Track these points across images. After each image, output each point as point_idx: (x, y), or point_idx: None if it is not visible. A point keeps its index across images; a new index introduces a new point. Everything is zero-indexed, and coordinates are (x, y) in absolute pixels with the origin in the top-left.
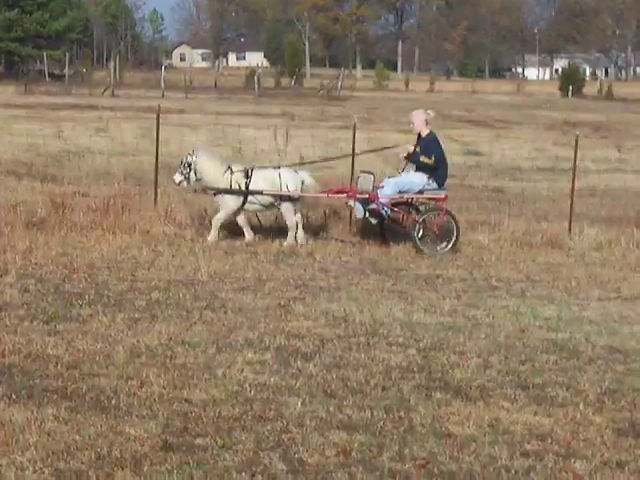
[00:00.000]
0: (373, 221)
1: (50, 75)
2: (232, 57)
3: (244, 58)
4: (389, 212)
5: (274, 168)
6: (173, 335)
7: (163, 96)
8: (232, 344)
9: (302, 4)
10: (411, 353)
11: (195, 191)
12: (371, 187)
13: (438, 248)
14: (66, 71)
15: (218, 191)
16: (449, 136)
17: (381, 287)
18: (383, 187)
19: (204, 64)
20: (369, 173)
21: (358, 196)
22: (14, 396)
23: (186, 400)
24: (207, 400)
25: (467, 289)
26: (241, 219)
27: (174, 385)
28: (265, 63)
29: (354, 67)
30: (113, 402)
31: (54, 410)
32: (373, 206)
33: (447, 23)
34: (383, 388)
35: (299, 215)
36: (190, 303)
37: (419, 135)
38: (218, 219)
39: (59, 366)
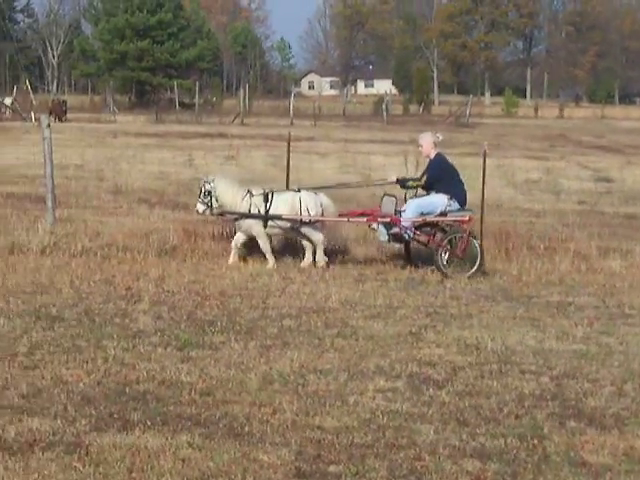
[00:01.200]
0: (397, 246)
1: (180, 104)
2: (360, 85)
3: (372, 86)
4: (412, 235)
5: (294, 191)
6: (305, 362)
7: (292, 124)
8: (363, 371)
9: (430, 31)
10: (544, 381)
11: (217, 217)
12: (393, 210)
13: (463, 272)
14: (196, 100)
15: (239, 216)
16: (579, 163)
17: (512, 314)
18: (404, 210)
19: (332, 92)
20: (392, 196)
21: (380, 220)
22: (149, 422)
23: (318, 427)
24: (339, 427)
25: (599, 316)
26: (235, 241)
27: (306, 412)
28: (393, 90)
29: (482, 94)
30: (246, 429)
31: (188, 437)
32: (395, 230)
33: (576, 49)
34: (516, 416)
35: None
36: (321, 330)
37: (428, 157)
38: (264, 249)
39: (192, 393)
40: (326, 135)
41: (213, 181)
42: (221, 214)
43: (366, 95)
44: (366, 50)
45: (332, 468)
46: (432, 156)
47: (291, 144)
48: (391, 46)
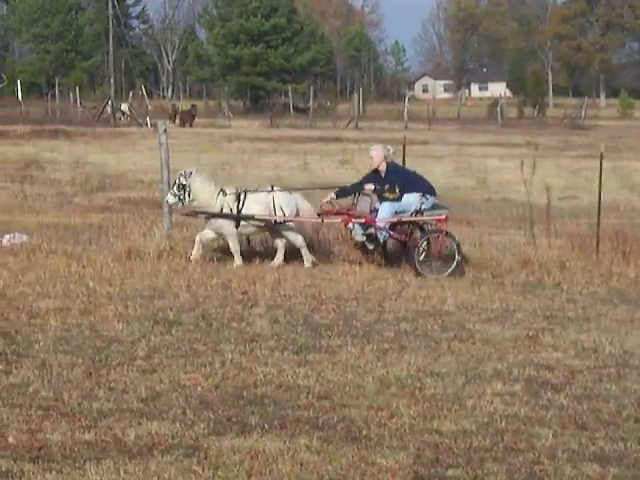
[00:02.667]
0: (370, 246)
1: (294, 108)
2: (474, 87)
3: (486, 88)
4: (387, 236)
5: (268, 191)
6: (422, 366)
7: (406, 127)
8: (481, 375)
9: (545, 33)
10: None
11: (188, 215)
12: (368, 210)
13: (441, 271)
14: (310, 104)
15: (209, 215)
16: None
17: (630, 317)
18: (377, 210)
19: (446, 95)
20: (367, 195)
21: (354, 220)
22: (267, 426)
23: (436, 431)
24: (457, 431)
25: None
26: (200, 235)
27: (424, 416)
28: (507, 93)
29: (597, 96)
30: (364, 433)
31: (306, 440)
32: (370, 230)
33: None
34: (636, 420)
35: (282, 240)
36: (438, 334)
37: (377, 170)
38: (233, 249)
39: (310, 396)
40: (440, 138)
41: (190, 176)
42: (190, 214)
43: (480, 98)
44: (480, 53)
45: (450, 472)
46: (382, 168)
47: (406, 147)
48: (505, 48)
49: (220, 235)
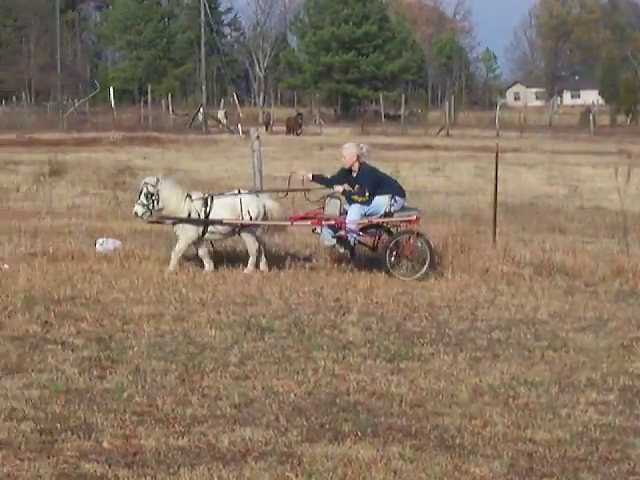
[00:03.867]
0: (341, 250)
1: (386, 116)
2: (567, 95)
3: (579, 96)
4: (357, 238)
5: (234, 194)
6: (515, 374)
7: (498, 135)
8: (575, 384)
9: (638, 41)
10: None
11: (152, 222)
12: (338, 212)
13: (412, 272)
14: (401, 112)
15: (177, 220)
16: None
17: None
18: (347, 212)
19: (538, 103)
20: (336, 198)
21: (324, 223)
22: (360, 434)
23: (530, 440)
24: (551, 440)
25: None
26: (202, 250)
27: (517, 425)
28: (600, 101)
29: None
30: (457, 441)
31: (399, 448)
32: (341, 233)
33: None
34: None
35: (260, 242)
36: (531, 342)
37: (350, 170)
38: (178, 250)
39: (403, 404)
40: (532, 146)
41: (158, 183)
42: (157, 220)
43: (572, 106)
44: (572, 60)
45: None
46: (355, 168)
47: (498, 155)
48: (597, 56)
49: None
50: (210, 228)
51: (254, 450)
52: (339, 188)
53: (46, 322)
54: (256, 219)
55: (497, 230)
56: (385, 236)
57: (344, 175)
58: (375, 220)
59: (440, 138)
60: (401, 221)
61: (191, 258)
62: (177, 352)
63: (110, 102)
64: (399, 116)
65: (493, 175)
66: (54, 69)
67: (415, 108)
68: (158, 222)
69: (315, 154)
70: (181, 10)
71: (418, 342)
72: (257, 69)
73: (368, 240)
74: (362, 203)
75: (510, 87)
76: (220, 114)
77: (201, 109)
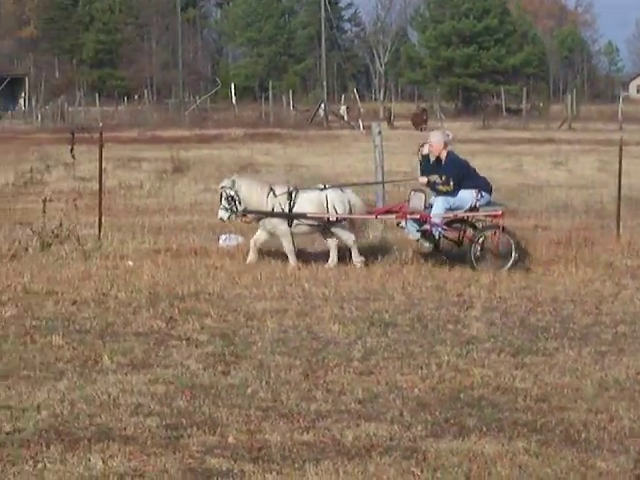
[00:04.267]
0: (426, 244)
1: (507, 110)
2: None
3: None
4: (442, 232)
5: (320, 189)
6: None
7: (621, 128)
8: None
9: None
10: None
11: (244, 221)
12: (422, 206)
13: (498, 267)
14: (523, 105)
15: (262, 215)
16: None
17: None
18: (432, 206)
19: None
20: (420, 191)
21: (409, 216)
22: (484, 428)
23: None
24: None
25: None
26: (254, 240)
27: None
28: None
29: None
30: (583, 436)
31: (524, 443)
32: (426, 227)
33: None
34: None
35: (333, 238)
36: None
37: (437, 158)
38: (288, 250)
39: (528, 399)
40: None
41: (234, 184)
42: (244, 214)
43: None
44: None
45: None
46: (443, 156)
47: (622, 149)
48: None
49: (273, 236)
50: (295, 222)
51: (379, 445)
52: (423, 180)
53: (170, 318)
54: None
55: (621, 224)
56: (470, 231)
57: (430, 166)
58: (460, 214)
59: (562, 132)
60: (486, 216)
61: (313, 254)
62: (301, 347)
63: (231, 99)
64: (520, 110)
65: (616, 168)
66: (175, 67)
67: (536, 102)
68: (245, 217)
69: None
70: (301, 6)
71: (542, 337)
72: (377, 64)
73: (453, 235)
74: (447, 194)
75: (633, 80)
76: (342, 109)
77: (322, 105)
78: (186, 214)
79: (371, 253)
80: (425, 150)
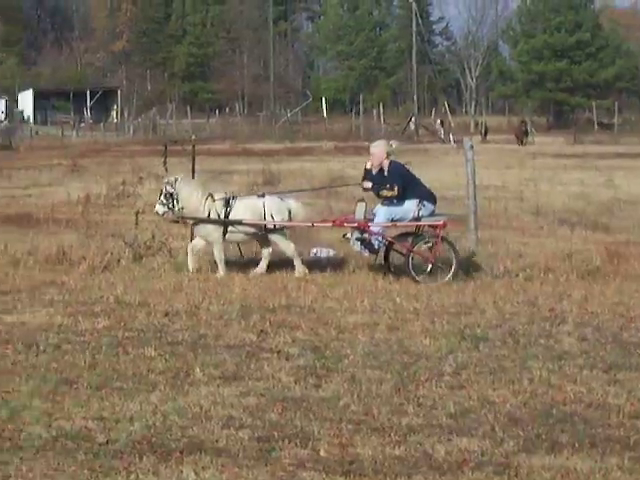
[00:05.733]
0: (366, 254)
1: (599, 124)
2: None
3: None
4: (383, 243)
5: (258, 196)
6: None
7: None
8: None
9: None
10: None
11: (175, 221)
12: (362, 216)
13: (437, 278)
14: (615, 120)
15: (197, 220)
16: None
17: None
18: (374, 217)
19: None
20: (363, 201)
21: (346, 225)
22: (577, 445)
23: None
24: None
25: None
26: (191, 246)
27: None
28: None
29: None
30: None
31: (617, 460)
32: (364, 236)
33: None
34: None
35: (269, 249)
36: None
37: (380, 169)
38: (218, 258)
39: (620, 416)
40: None
41: (176, 182)
42: (177, 220)
43: None
44: None
45: None
46: (385, 165)
47: None
48: None
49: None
50: (230, 228)
51: (471, 460)
52: (367, 185)
53: (262, 331)
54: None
55: None
56: (409, 240)
57: (374, 177)
58: (401, 225)
59: None
60: (430, 226)
61: (400, 269)
62: (392, 361)
63: (322, 112)
64: (612, 124)
65: None
66: (267, 80)
67: (629, 116)
68: (178, 222)
69: (528, 163)
70: (392, 20)
71: (635, 353)
72: (468, 78)
73: (400, 248)
74: (391, 205)
75: None
76: (437, 123)
77: (412, 118)
78: None
79: (462, 267)
80: (368, 165)
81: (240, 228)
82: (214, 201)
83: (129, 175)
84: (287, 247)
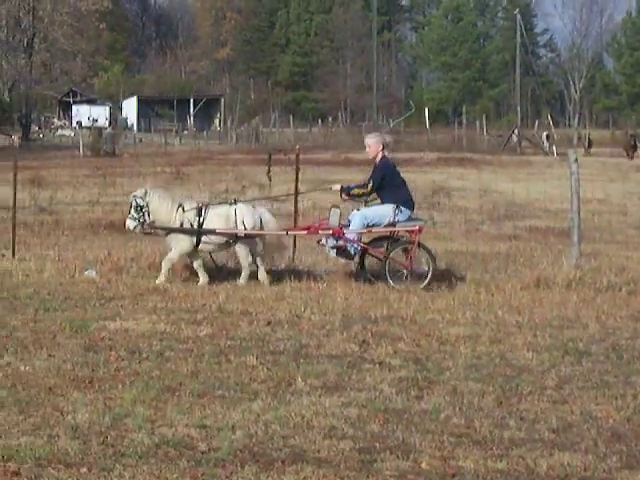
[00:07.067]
0: (342, 259)
1: None
2: None
3: None
4: (358, 249)
5: (230, 204)
6: None
7: None
8: None
9: None
10: None
11: (148, 233)
12: (337, 222)
13: (413, 284)
14: None
15: (169, 231)
16: None
17: None
18: (349, 223)
19: None
20: (337, 207)
21: (320, 232)
22: None
23: None
24: None
25: None
26: (196, 262)
27: None
28: None
29: None
30: None
31: None
32: (340, 243)
33: None
34: None
35: (259, 254)
36: None
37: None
38: (169, 259)
39: None
40: None
41: (146, 195)
42: (149, 232)
43: None
44: None
45: None
46: (378, 160)
47: None
48: None
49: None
50: (204, 239)
51: (573, 475)
52: (336, 187)
53: (363, 341)
54: (252, 230)
55: None
56: (384, 246)
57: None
58: (376, 230)
59: None
60: (405, 231)
61: (506, 279)
62: (494, 374)
63: (424, 123)
64: None
65: None
66: (369, 90)
67: None
68: (150, 233)
69: (632, 176)
70: (497, 31)
71: None
72: (572, 90)
73: (377, 253)
74: (362, 196)
75: None
76: (543, 136)
77: (515, 130)
78: None
79: (565, 281)
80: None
81: (212, 237)
82: (184, 211)
83: (232, 183)
84: (244, 259)
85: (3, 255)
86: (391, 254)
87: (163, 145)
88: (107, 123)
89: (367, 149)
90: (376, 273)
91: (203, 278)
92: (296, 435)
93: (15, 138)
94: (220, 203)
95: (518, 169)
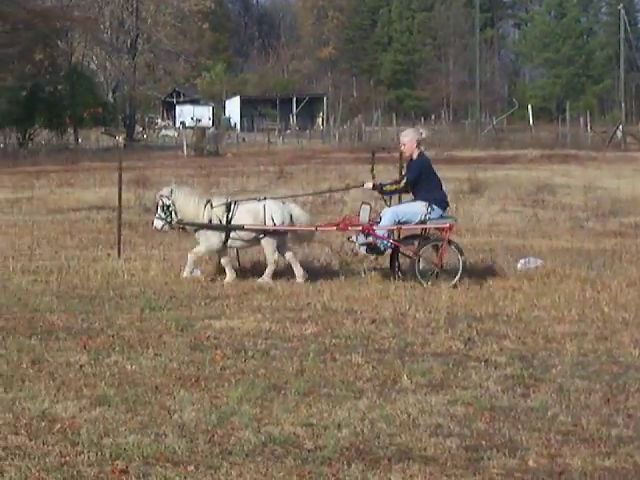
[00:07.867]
0: (371, 256)
1: None
2: None
3: None
4: (388, 245)
5: (259, 200)
6: None
7: None
8: None
9: None
10: None
11: (178, 229)
12: (367, 218)
13: (444, 281)
14: None
15: (198, 227)
16: None
17: None
18: (380, 219)
19: None
20: (367, 204)
21: (350, 228)
22: None
23: None
24: None
25: None
26: (224, 259)
27: None
28: None
29: None
30: None
31: None
32: (369, 239)
33: None
34: None
35: (290, 252)
36: None
37: (410, 159)
38: (195, 253)
39: None
40: None
41: (172, 193)
42: (181, 227)
43: None
44: None
45: None
46: (415, 156)
47: None
48: None
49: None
50: (232, 235)
51: None
52: (368, 185)
53: (469, 339)
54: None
55: None
56: (414, 244)
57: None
58: (407, 227)
59: None
60: (435, 229)
61: (612, 276)
62: (600, 372)
63: (528, 120)
64: None
65: None
66: (472, 87)
67: None
68: (182, 229)
69: None
70: (600, 26)
71: None
72: None
73: (408, 251)
74: (395, 191)
75: None
76: None
77: (620, 126)
78: (484, 235)
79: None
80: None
81: (241, 234)
82: (212, 208)
83: (335, 182)
84: (270, 254)
85: (109, 255)
86: (421, 251)
87: (266, 144)
88: (210, 123)
89: (402, 147)
90: (404, 270)
91: (230, 274)
92: (402, 433)
93: (120, 139)
94: (249, 199)
95: (623, 165)
